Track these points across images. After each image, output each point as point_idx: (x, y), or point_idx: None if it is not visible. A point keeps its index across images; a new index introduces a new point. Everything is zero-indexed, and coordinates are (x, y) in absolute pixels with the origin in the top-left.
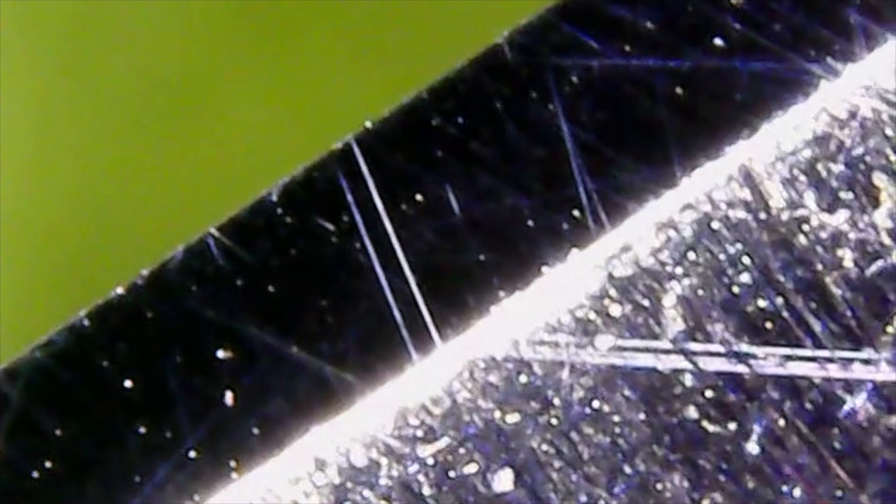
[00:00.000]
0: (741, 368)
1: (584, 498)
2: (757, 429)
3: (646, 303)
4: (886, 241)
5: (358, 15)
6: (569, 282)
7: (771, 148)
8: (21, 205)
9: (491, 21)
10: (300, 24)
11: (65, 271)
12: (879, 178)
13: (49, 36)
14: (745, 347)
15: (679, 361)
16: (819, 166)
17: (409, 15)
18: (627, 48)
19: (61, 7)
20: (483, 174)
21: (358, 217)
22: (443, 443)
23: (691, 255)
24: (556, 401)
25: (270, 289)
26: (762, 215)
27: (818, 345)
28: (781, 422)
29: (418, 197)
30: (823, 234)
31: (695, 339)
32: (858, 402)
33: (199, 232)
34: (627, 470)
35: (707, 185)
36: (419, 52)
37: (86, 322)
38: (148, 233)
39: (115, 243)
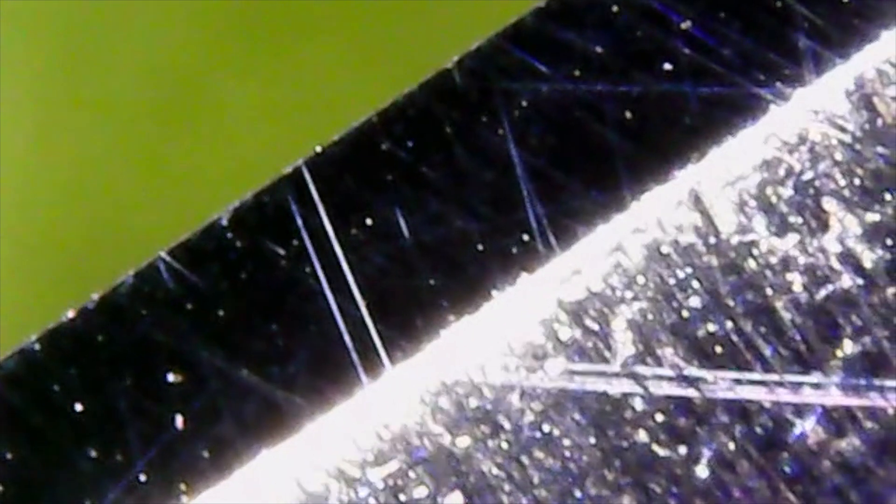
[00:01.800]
0: (691, 392)
1: None
2: (707, 453)
3: (595, 327)
4: (836, 265)
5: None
6: (518, 306)
7: (720, 172)
8: (19, 206)
9: (440, 46)
10: (300, 30)
11: (63, 272)
12: (829, 203)
13: (49, 36)
14: (694, 371)
15: (629, 385)
16: (768, 191)
17: (357, 40)
18: (577, 73)
19: (61, 7)
20: (433, 198)
21: (308, 241)
22: (393, 466)
23: (641, 280)
24: (507, 425)
25: (220, 312)
26: (711, 240)
27: (768, 369)
28: (731, 446)
29: (368, 221)
30: (773, 259)
31: (645, 364)
32: (808, 426)
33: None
34: (577, 493)
35: (656, 209)
36: (368, 77)
37: (36, 346)
38: (147, 234)
39: (115, 244)
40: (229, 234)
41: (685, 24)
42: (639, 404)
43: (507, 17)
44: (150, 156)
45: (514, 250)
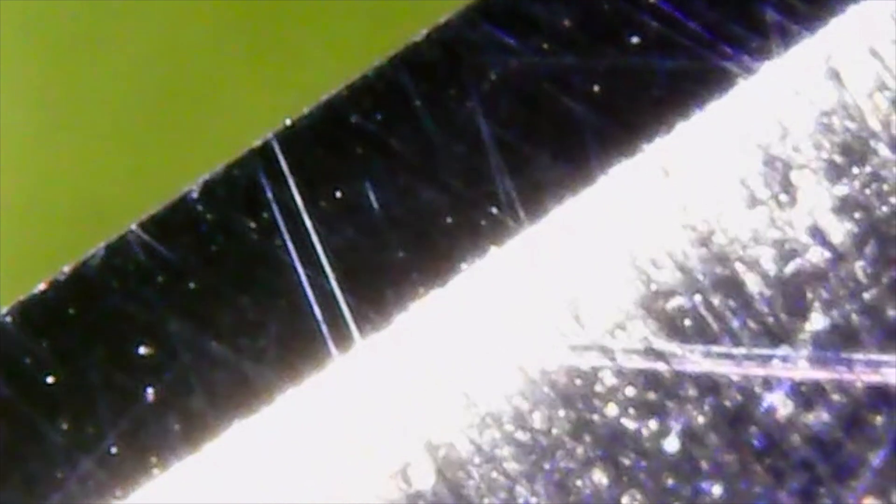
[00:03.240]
0: (660, 366)
1: (503, 495)
2: (676, 426)
3: (565, 300)
4: (804, 239)
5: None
6: (488, 278)
7: (688, 145)
8: (7, 177)
9: (409, 19)
10: (268, 4)
11: (34, 245)
12: (797, 176)
13: (49, 36)
14: (664, 345)
15: (598, 359)
16: (736, 164)
17: (326, 13)
18: (545, 46)
19: (61, 7)
20: (402, 171)
21: (278, 214)
22: (363, 439)
23: (610, 253)
24: (476, 398)
25: (191, 285)
26: (680, 213)
27: (736, 342)
28: (700, 419)
29: (338, 194)
30: (741, 232)
31: (614, 337)
32: (777, 400)
33: None
34: (547, 466)
35: (625, 182)
36: (337, 50)
37: (7, 318)
38: (118, 207)
39: (85, 216)
40: (199, 207)
41: None
42: (608, 378)
43: None
44: (119, 129)
45: (483, 223)
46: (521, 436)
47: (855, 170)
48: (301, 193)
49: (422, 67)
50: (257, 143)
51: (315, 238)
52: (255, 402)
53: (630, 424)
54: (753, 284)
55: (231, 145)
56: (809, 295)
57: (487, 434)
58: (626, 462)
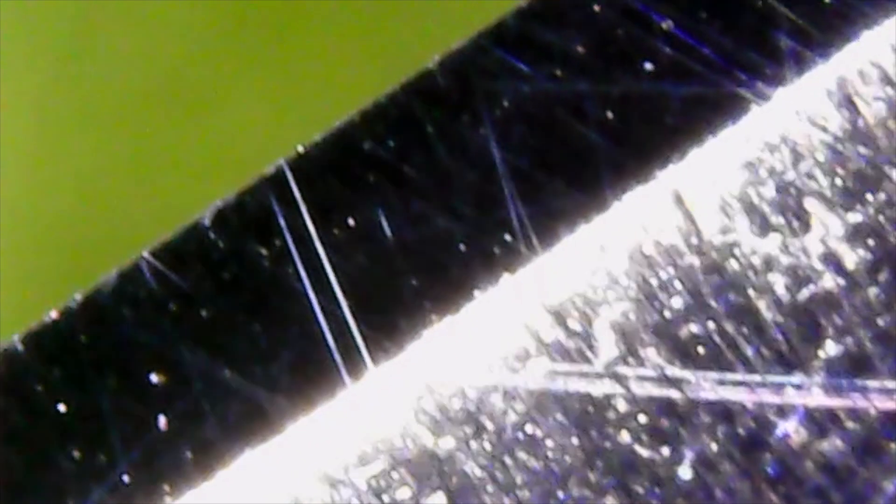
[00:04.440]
0: (673, 393)
1: None
2: (689, 453)
3: (578, 327)
4: (817, 265)
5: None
6: (501, 306)
7: (702, 172)
8: (20, 203)
9: (422, 46)
10: (281, 31)
11: (46, 273)
12: (810, 203)
13: (49, 33)
14: (677, 372)
15: (611, 386)
16: (750, 191)
17: (339, 40)
18: (558, 72)
19: (65, 36)
20: (415, 198)
21: (290, 241)
22: (376, 467)
23: (623, 280)
24: (489, 425)
25: (203, 313)
26: (693, 240)
27: (750, 370)
28: (714, 446)
29: (350, 221)
30: (755, 259)
31: (627, 364)
32: (790, 427)
33: None
34: (560, 494)
35: (638, 209)
36: (350, 77)
37: (19, 346)
38: (130, 234)
39: (97, 244)
40: (212, 235)
41: (666, 24)
42: (621, 405)
43: (488, 17)
44: (131, 157)
45: (497, 250)
46: (535, 463)
47: (868, 196)
48: (313, 221)
49: (434, 94)
50: (269, 170)
51: (328, 266)
52: (267, 431)
53: (643, 452)
54: (767, 311)
55: (243, 172)
56: (823, 322)
57: (501, 462)
58: (640, 490)
